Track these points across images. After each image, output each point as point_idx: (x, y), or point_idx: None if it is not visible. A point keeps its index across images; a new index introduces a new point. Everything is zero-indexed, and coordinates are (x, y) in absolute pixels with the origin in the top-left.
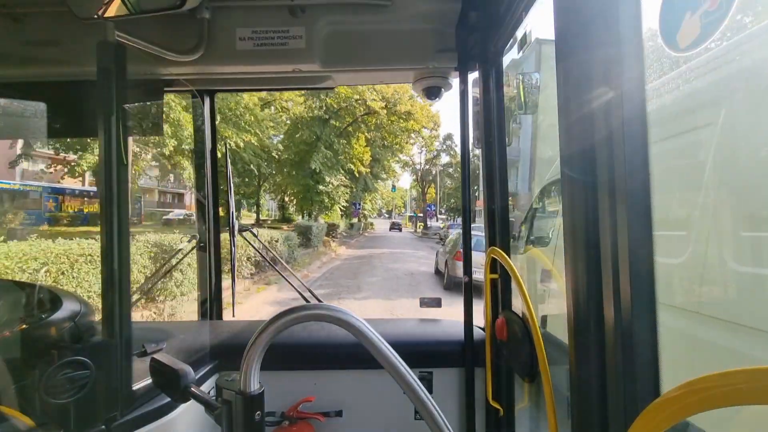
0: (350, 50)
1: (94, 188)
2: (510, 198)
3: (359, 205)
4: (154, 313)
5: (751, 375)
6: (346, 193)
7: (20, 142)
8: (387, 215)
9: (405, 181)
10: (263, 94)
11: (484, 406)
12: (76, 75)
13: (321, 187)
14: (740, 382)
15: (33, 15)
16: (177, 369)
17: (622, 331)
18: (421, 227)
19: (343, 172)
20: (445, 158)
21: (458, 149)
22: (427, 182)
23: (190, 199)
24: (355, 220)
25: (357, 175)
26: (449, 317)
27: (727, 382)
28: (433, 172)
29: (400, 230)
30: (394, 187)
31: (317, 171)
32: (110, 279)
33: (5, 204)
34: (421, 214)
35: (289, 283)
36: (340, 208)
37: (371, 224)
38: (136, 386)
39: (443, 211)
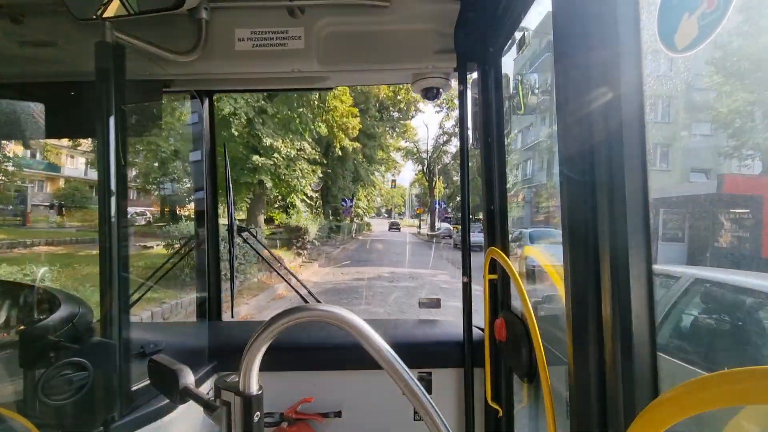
0: (349, 51)
1: None
2: (534, 189)
3: (351, 201)
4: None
5: (750, 375)
6: (315, 174)
7: None
8: (386, 215)
9: (405, 177)
10: None
11: (483, 407)
12: (74, 75)
13: (256, 158)
14: (739, 381)
15: (31, 15)
16: (175, 370)
17: (621, 331)
18: (423, 228)
19: (308, 140)
20: (453, 148)
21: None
22: (435, 174)
23: (164, 197)
24: (347, 220)
25: (340, 153)
26: None
27: (726, 382)
28: (443, 161)
29: (399, 230)
30: (393, 183)
31: (245, 122)
32: (109, 280)
33: None
34: (425, 214)
35: (287, 283)
36: (305, 200)
37: (368, 225)
38: (134, 387)
39: (450, 210)
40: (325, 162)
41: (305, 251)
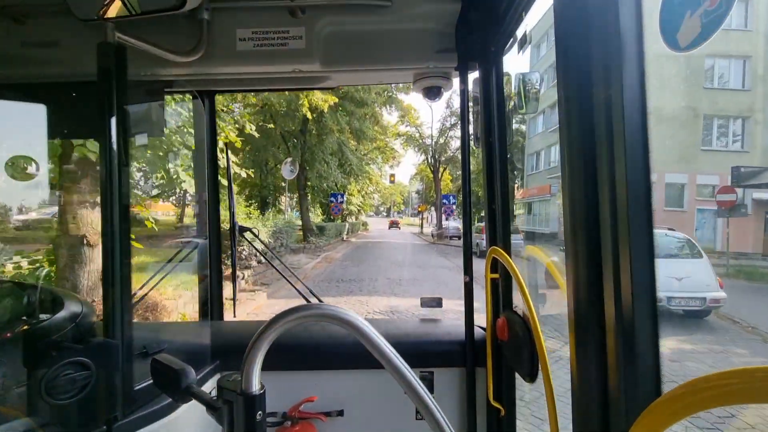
0: (350, 50)
1: None
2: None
3: (342, 197)
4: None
5: (752, 374)
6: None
7: None
8: (386, 213)
9: (404, 174)
10: None
11: (485, 406)
12: (76, 76)
13: None
14: (740, 381)
15: (33, 16)
16: (178, 369)
17: (623, 330)
18: (426, 227)
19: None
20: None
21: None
22: (441, 163)
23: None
24: (337, 219)
25: (310, 116)
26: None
27: (728, 381)
28: (450, 148)
29: (399, 227)
30: (392, 178)
31: None
32: (111, 280)
33: None
34: (428, 211)
35: (289, 283)
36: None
37: (364, 224)
38: (137, 387)
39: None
40: (254, 102)
41: (248, 271)
